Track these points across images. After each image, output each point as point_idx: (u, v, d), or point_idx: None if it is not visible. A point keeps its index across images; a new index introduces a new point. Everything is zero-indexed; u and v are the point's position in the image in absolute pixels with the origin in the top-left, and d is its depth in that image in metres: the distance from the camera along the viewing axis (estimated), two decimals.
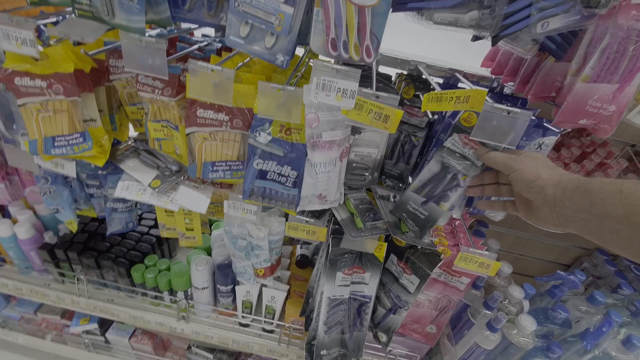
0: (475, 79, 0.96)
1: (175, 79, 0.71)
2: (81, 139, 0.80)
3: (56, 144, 0.80)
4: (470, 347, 0.94)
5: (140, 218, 1.27)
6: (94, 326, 1.33)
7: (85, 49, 0.79)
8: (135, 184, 0.83)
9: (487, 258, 0.80)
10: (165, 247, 1.26)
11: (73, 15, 0.67)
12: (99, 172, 0.89)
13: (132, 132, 0.94)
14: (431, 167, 0.69)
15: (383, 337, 1.01)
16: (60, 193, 0.98)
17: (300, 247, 1.25)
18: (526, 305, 0.99)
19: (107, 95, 0.85)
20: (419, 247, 0.93)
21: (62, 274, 1.19)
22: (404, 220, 0.76)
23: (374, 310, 1.02)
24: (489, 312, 0.94)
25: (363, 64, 0.64)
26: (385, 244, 0.89)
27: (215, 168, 0.78)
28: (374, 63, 0.81)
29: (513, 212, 0.63)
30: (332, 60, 0.67)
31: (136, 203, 1.04)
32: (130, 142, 0.89)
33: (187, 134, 0.73)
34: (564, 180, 0.52)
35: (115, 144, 0.92)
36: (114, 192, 0.83)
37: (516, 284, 1.03)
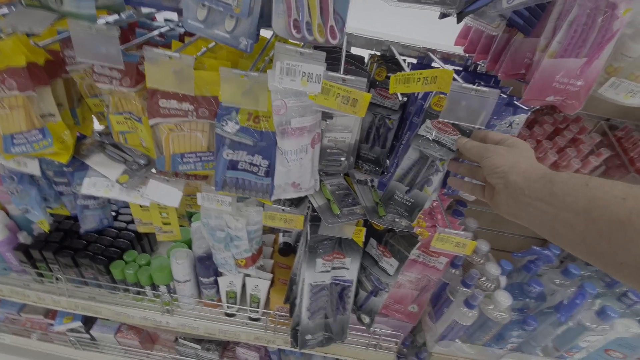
0: (451, 58, 0.95)
1: (133, 68, 0.67)
2: (41, 136, 0.76)
3: (15, 141, 0.76)
4: (449, 324, 0.97)
5: (117, 214, 1.24)
6: (77, 324, 1.32)
7: (37, 40, 0.75)
8: (103, 180, 0.80)
9: (463, 238, 0.81)
10: (145, 242, 1.24)
11: (21, 5, 0.62)
12: (65, 169, 0.85)
13: (98, 126, 0.90)
14: (410, 155, 0.69)
15: (366, 319, 1.03)
16: (27, 192, 0.95)
17: (283, 235, 1.25)
18: (503, 281, 1.01)
19: (66, 88, 0.81)
20: (397, 230, 0.93)
21: (40, 274, 1.17)
22: (394, 209, 0.76)
23: (356, 294, 1.03)
24: (467, 290, 0.96)
25: (329, 46, 0.62)
26: (364, 229, 0.89)
27: (184, 160, 0.76)
28: (344, 45, 0.78)
29: (479, 197, 0.62)
30: (303, 44, 0.64)
31: (109, 199, 1.01)
32: (95, 137, 0.86)
33: (152, 126, 0.70)
34: (530, 170, 0.50)
35: (81, 138, 0.89)
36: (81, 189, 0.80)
37: (496, 260, 1.05)
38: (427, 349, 1.10)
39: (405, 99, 0.78)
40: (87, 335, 1.36)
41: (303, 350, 1.07)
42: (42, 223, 0.99)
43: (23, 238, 1.15)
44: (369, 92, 0.66)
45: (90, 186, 0.80)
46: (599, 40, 0.57)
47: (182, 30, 0.85)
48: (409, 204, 0.73)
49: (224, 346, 1.42)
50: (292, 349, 1.17)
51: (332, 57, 0.85)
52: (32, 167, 0.84)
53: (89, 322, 1.37)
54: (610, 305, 0.91)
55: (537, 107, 0.91)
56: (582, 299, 0.89)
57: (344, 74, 0.63)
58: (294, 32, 0.59)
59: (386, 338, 1.13)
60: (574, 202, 0.43)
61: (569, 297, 0.92)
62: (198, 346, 1.34)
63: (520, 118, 0.68)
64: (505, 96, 0.70)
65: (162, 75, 0.63)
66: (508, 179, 0.51)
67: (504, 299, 0.89)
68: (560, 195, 0.44)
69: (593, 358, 1.03)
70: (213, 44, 0.77)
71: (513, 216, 0.53)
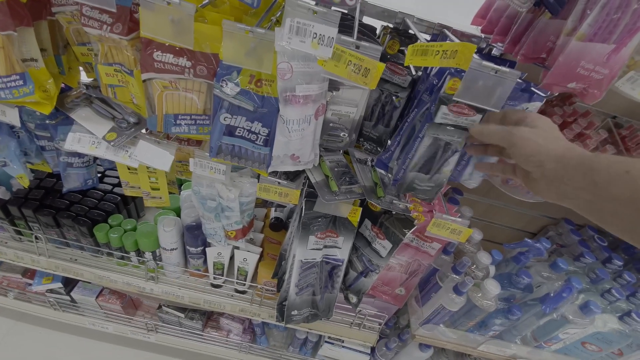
0: (465, 38, 0.90)
1: (127, 14, 0.61)
2: (21, 82, 0.70)
3: None
4: (436, 308, 0.97)
5: (104, 176, 1.19)
6: (57, 285, 1.28)
7: None
8: (89, 136, 0.75)
9: (459, 225, 0.79)
10: (132, 206, 1.20)
11: None
12: (47, 121, 0.79)
13: (85, 78, 0.83)
14: (425, 143, 0.67)
15: (353, 299, 1.03)
16: (6, 144, 0.88)
17: (275, 210, 1.22)
18: (492, 270, 1.01)
19: (51, 33, 0.74)
20: (394, 213, 0.91)
21: (18, 232, 1.12)
22: (414, 195, 0.76)
23: (346, 273, 1.02)
24: (457, 277, 0.96)
25: (344, 8, 0.57)
26: (360, 209, 0.87)
27: (178, 122, 0.71)
28: (357, 11, 0.73)
29: (513, 177, 0.60)
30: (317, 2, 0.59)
31: (95, 158, 0.96)
32: (82, 89, 0.80)
33: (144, 81, 0.65)
34: (567, 156, 0.48)
35: (66, 90, 0.82)
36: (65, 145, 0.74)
37: (485, 250, 1.05)
38: (411, 331, 1.11)
39: (419, 73, 0.74)
40: (68, 297, 1.33)
41: (288, 325, 1.07)
42: (21, 178, 0.94)
43: (1, 193, 1.09)
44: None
45: (74, 142, 0.75)
46: (630, 26, 0.54)
47: None
48: (430, 189, 0.73)
49: (208, 316, 1.42)
50: (277, 323, 1.17)
51: (343, 25, 0.79)
52: (11, 117, 0.78)
53: (69, 283, 1.34)
54: (593, 301, 0.93)
55: (550, 97, 0.89)
56: (569, 293, 0.91)
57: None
58: None
59: (370, 318, 1.14)
60: (620, 193, 0.42)
61: (556, 290, 0.93)
62: (182, 314, 1.33)
63: (535, 105, 0.65)
64: (521, 81, 0.67)
65: (159, 24, 0.58)
66: (545, 167, 0.49)
67: (493, 287, 0.89)
68: (603, 185, 0.43)
69: (569, 349, 1.06)
70: None
71: (556, 202, 0.51)
